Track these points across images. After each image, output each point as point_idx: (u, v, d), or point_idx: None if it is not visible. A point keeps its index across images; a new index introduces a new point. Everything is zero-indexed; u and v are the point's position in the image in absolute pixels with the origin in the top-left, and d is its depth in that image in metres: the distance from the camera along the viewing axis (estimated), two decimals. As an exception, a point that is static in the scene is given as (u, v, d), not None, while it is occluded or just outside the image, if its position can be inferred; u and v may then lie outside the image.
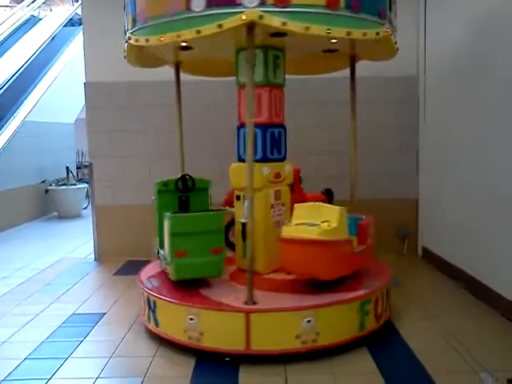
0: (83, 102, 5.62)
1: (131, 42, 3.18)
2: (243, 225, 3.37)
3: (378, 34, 3.04)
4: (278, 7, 2.71)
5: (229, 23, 2.70)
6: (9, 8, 13.99)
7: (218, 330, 2.93)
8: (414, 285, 4.42)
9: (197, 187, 3.72)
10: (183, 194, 3.64)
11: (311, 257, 3.04)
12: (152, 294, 3.23)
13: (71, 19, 12.43)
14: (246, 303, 2.96)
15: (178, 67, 4.10)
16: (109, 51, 4.92)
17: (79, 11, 6.46)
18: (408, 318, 3.56)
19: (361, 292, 3.16)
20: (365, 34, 2.94)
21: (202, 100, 5.25)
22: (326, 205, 3.28)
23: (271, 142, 3.53)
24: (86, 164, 7.00)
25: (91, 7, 5.38)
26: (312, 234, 3.05)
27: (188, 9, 2.78)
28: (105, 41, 5.14)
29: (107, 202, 5.48)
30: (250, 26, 2.79)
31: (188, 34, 2.81)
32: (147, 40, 3.03)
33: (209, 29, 2.74)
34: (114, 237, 5.45)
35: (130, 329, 3.45)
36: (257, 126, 3.38)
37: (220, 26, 2.71)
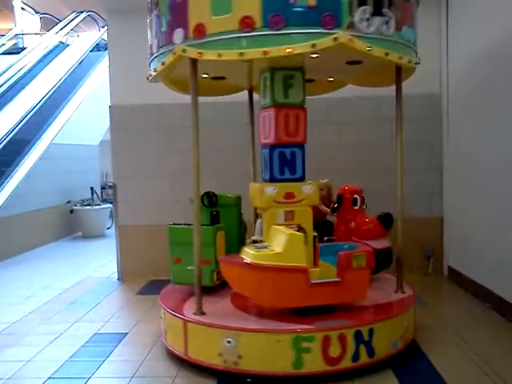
0: (108, 124, 5.74)
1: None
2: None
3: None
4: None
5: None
6: (38, 35, 14.55)
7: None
8: (440, 305, 4.31)
9: (224, 203, 3.83)
10: (213, 209, 3.75)
11: (244, 280, 3.06)
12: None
13: (97, 44, 12.82)
14: None
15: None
16: (133, 75, 5.03)
17: (105, 36, 6.65)
18: (435, 340, 3.46)
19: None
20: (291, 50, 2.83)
21: (229, 119, 5.37)
22: (283, 228, 3.13)
23: (280, 162, 3.50)
24: (110, 184, 7.12)
25: (116, 33, 5.54)
26: (248, 256, 3.01)
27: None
28: (129, 65, 5.27)
29: (130, 222, 5.55)
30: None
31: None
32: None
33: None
34: (136, 256, 5.49)
35: (151, 349, 3.45)
36: (264, 146, 3.52)
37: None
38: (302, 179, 3.55)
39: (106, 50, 6.51)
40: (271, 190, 3.45)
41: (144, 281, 5.32)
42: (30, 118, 9.13)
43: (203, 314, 3.12)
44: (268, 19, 2.74)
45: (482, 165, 4.30)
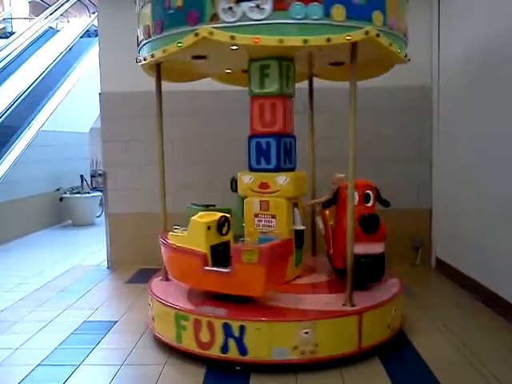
0: (98, 112, 5.69)
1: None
2: None
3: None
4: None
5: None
6: (27, 20, 14.32)
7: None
8: (428, 296, 4.37)
9: None
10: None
11: (164, 256, 3.47)
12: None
13: (88, 30, 12.63)
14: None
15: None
16: (124, 62, 4.97)
17: (96, 22, 6.57)
18: (421, 330, 3.51)
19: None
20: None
21: (219, 108, 5.34)
22: (199, 214, 3.30)
23: (257, 152, 3.56)
24: (100, 172, 7.08)
25: (107, 19, 5.47)
26: (169, 236, 3.38)
27: None
28: (120, 51, 5.21)
29: (120, 210, 5.53)
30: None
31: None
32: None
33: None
34: (126, 245, 5.48)
35: (140, 337, 3.46)
36: (249, 137, 3.58)
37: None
38: (277, 170, 3.51)
39: (96, 36, 6.43)
40: (247, 179, 3.57)
41: (134, 269, 5.32)
42: (19, 104, 9.02)
43: None
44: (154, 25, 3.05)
45: (470, 157, 4.34)
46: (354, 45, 2.92)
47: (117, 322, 3.80)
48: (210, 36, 2.77)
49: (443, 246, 5.14)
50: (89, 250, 6.50)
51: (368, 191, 3.48)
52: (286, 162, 3.58)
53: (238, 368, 2.91)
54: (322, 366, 2.91)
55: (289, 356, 2.88)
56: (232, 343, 2.91)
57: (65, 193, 8.96)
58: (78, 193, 8.99)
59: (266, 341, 2.89)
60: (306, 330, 2.87)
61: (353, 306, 3.06)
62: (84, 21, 13.80)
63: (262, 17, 2.76)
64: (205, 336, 2.98)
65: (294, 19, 2.76)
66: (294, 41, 2.79)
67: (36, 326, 3.73)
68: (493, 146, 3.90)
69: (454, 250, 4.83)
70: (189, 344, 3.05)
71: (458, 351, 3.14)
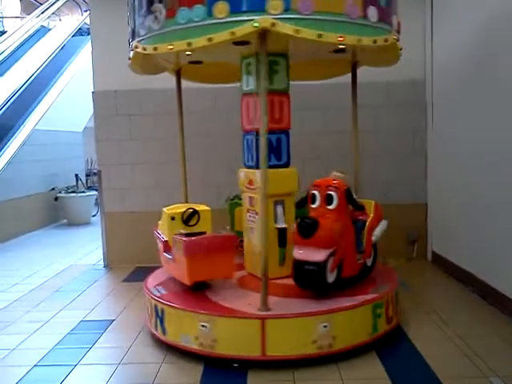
0: (91, 111, 5.67)
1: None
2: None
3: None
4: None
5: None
6: (19, 19, 14.21)
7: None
8: (424, 289, 4.39)
9: None
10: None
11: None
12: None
13: (80, 29, 12.57)
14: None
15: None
16: (116, 60, 4.94)
17: (88, 21, 6.53)
18: (417, 323, 3.53)
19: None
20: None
21: (217, 106, 5.34)
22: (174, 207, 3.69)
23: (246, 149, 3.66)
24: (95, 172, 7.05)
25: (99, 17, 5.44)
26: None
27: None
28: (112, 50, 5.17)
29: (116, 209, 5.51)
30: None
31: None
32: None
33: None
34: (122, 244, 5.47)
35: (138, 336, 3.46)
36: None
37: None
38: (257, 167, 3.44)
39: (88, 34, 6.39)
40: (241, 175, 3.69)
41: (130, 268, 5.31)
42: (12, 103, 8.96)
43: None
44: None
45: (465, 151, 4.35)
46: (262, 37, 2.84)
47: (114, 320, 3.80)
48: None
49: (439, 239, 5.15)
50: (85, 249, 6.49)
51: (330, 192, 3.17)
52: (271, 158, 3.50)
53: (235, 365, 2.92)
54: (319, 361, 2.92)
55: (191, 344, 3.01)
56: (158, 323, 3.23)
57: (60, 192, 8.93)
58: (73, 192, 8.97)
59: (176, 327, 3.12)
60: (203, 324, 2.94)
61: (268, 310, 2.95)
62: (76, 19, 13.72)
63: (158, 27, 2.97)
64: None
65: (180, 25, 2.88)
66: (179, 45, 2.93)
67: (32, 326, 3.72)
68: (487, 139, 3.91)
69: (449, 243, 4.85)
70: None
71: (454, 344, 3.15)
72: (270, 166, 3.44)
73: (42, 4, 13.54)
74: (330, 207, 3.17)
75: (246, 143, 3.69)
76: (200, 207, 3.64)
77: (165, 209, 3.68)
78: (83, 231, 8.11)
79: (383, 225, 3.55)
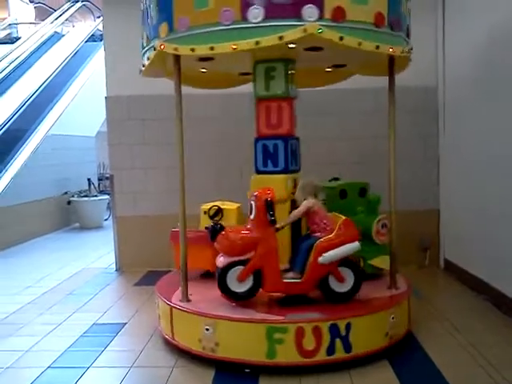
0: (104, 116, 5.73)
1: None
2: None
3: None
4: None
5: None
6: (33, 25, 14.42)
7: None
8: (436, 297, 4.36)
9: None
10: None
11: None
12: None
13: (93, 35, 12.72)
14: None
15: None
16: (129, 66, 4.99)
17: (101, 27, 6.61)
18: (430, 331, 3.50)
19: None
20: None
21: (226, 112, 5.37)
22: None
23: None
24: (108, 176, 7.11)
25: (112, 23, 5.50)
26: None
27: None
28: (125, 55, 5.23)
29: (128, 213, 5.55)
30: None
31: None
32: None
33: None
34: (134, 247, 5.50)
35: (150, 339, 3.48)
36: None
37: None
38: (256, 171, 3.67)
39: (101, 40, 6.47)
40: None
41: (142, 272, 5.34)
42: (26, 108, 9.08)
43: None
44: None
45: (478, 157, 4.32)
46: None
47: (126, 324, 3.82)
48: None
49: (452, 247, 5.11)
50: (97, 252, 6.53)
51: (251, 202, 3.18)
52: (267, 164, 3.57)
53: (247, 370, 2.91)
54: (330, 368, 2.91)
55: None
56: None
57: (72, 196, 9.01)
58: (86, 196, 9.05)
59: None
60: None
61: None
62: (89, 25, 13.88)
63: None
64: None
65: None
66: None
67: (45, 328, 3.75)
68: (500, 145, 3.88)
69: (462, 251, 4.81)
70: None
71: (467, 352, 3.12)
72: (267, 172, 3.57)
73: (55, 10, 13.74)
74: (251, 217, 3.19)
75: (262, 148, 3.60)
76: (227, 205, 3.90)
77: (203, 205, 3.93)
78: (95, 235, 8.17)
79: (346, 248, 3.08)
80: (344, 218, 3.16)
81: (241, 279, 3.09)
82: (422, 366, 2.98)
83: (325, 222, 3.17)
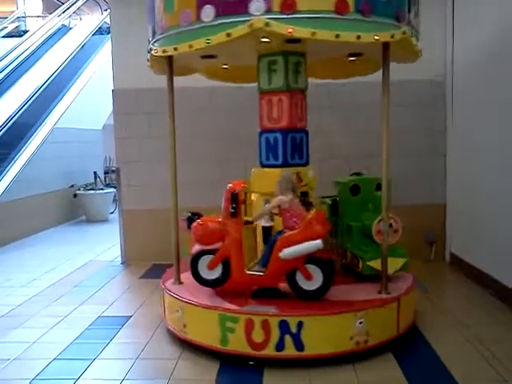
0: (110, 108, 5.73)
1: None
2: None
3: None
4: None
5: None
6: (41, 18, 14.43)
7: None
8: (442, 291, 4.34)
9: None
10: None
11: None
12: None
13: (100, 28, 12.70)
14: None
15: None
16: (136, 58, 4.99)
17: (108, 20, 6.60)
18: (435, 325, 3.49)
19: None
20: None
21: (229, 105, 5.33)
22: None
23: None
24: (114, 169, 7.13)
25: (119, 16, 5.50)
26: None
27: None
28: (132, 48, 5.23)
29: (134, 206, 5.57)
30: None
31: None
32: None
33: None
34: (140, 240, 5.52)
35: (155, 331, 3.49)
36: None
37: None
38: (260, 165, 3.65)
39: (108, 33, 6.46)
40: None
41: (147, 265, 5.36)
42: (33, 101, 9.11)
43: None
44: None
45: (485, 151, 4.29)
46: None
47: (131, 316, 3.84)
48: None
49: (458, 241, 5.09)
50: (103, 245, 6.56)
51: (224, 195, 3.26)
52: (268, 157, 3.59)
53: (251, 363, 2.92)
54: (335, 361, 2.91)
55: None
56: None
57: (79, 189, 9.05)
58: (92, 189, 9.08)
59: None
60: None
61: None
62: (96, 18, 13.86)
63: None
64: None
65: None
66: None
67: (51, 320, 3.78)
68: (508, 139, 3.85)
69: (468, 245, 4.79)
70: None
71: (472, 346, 3.11)
72: (268, 166, 3.58)
73: (63, 3, 13.73)
74: (222, 208, 3.26)
75: (265, 142, 3.61)
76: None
77: None
78: (101, 228, 8.20)
79: (307, 246, 3.01)
80: (313, 214, 3.12)
81: (210, 267, 3.22)
82: (428, 360, 2.97)
83: (294, 219, 3.11)
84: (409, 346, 3.15)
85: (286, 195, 3.15)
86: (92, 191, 9.01)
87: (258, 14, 2.74)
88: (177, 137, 3.83)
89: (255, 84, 3.68)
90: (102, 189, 9.19)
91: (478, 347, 3.10)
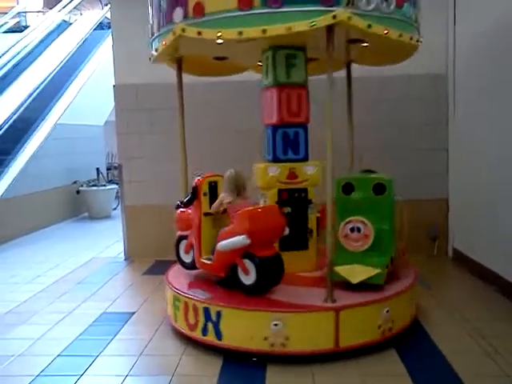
0: (112, 104, 5.72)
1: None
2: None
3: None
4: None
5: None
6: (41, 13, 14.39)
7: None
8: (445, 287, 4.35)
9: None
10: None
11: None
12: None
13: (101, 23, 12.66)
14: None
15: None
16: (137, 54, 4.97)
17: (109, 15, 6.58)
18: (438, 321, 3.50)
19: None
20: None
21: (234, 100, 5.31)
22: None
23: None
24: (116, 165, 7.13)
25: (120, 11, 5.48)
26: None
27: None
28: (133, 44, 5.21)
29: (136, 202, 5.57)
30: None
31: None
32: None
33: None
34: (143, 237, 5.53)
35: (158, 328, 3.51)
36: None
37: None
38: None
39: (109, 28, 6.44)
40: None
41: (150, 261, 5.37)
42: (35, 98, 9.10)
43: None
44: None
45: (488, 145, 4.28)
46: None
47: (134, 313, 3.85)
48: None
49: (460, 236, 5.08)
50: (106, 242, 6.58)
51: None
52: (268, 152, 3.65)
53: (254, 359, 2.93)
54: (338, 356, 2.92)
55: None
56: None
57: (81, 186, 9.06)
58: (95, 185, 9.09)
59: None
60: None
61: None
62: (97, 13, 13.82)
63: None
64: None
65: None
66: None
67: (55, 317, 3.80)
68: (510, 134, 3.83)
69: (471, 240, 4.78)
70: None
71: (475, 342, 3.12)
72: (268, 160, 3.62)
73: (63, -1, 13.69)
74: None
75: (265, 137, 3.66)
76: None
77: None
78: (104, 224, 8.22)
79: (233, 240, 3.09)
80: (244, 210, 3.13)
81: (186, 251, 3.62)
82: (430, 356, 2.97)
83: (233, 215, 3.24)
84: (411, 342, 3.15)
85: (229, 193, 3.32)
86: (95, 187, 9.02)
87: (178, 21, 2.94)
88: (187, 130, 3.90)
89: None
90: (104, 185, 9.20)
91: (481, 343, 3.10)
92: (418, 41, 3.21)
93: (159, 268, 4.86)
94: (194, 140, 5.34)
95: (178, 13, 2.97)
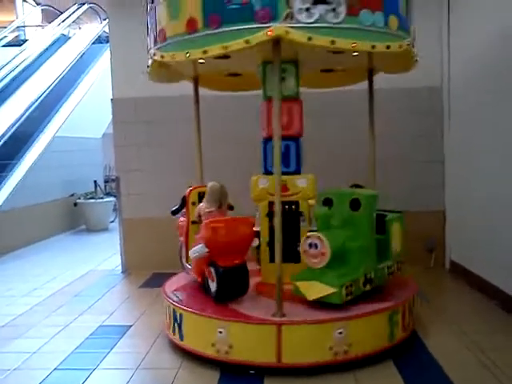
0: (110, 117, 5.75)
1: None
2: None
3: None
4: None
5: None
6: (40, 27, 14.51)
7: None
8: (442, 299, 4.34)
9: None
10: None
11: None
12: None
13: (99, 37, 12.77)
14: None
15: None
16: (135, 67, 5.02)
17: (107, 29, 6.64)
18: (436, 333, 3.49)
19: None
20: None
21: (233, 113, 5.35)
22: None
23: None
24: (114, 178, 7.14)
25: (118, 25, 5.54)
26: None
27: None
28: (131, 57, 5.26)
29: (134, 215, 5.57)
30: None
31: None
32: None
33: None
34: (140, 249, 5.52)
35: (155, 341, 3.49)
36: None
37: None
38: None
39: (107, 42, 6.50)
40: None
41: (148, 274, 5.36)
42: (33, 111, 9.14)
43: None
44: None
45: (484, 157, 4.31)
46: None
47: (131, 326, 3.83)
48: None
49: (457, 248, 5.09)
50: (103, 254, 6.56)
51: None
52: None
53: (252, 372, 2.92)
54: (336, 369, 2.91)
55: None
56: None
57: (79, 198, 9.05)
58: (92, 198, 9.08)
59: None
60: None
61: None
62: (95, 27, 13.93)
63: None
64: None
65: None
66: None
67: (52, 330, 3.78)
68: (506, 146, 3.86)
69: (469, 252, 4.78)
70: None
71: (474, 355, 3.11)
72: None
73: (62, 13, 13.81)
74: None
75: (263, 149, 3.69)
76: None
77: None
78: (101, 237, 8.20)
79: (194, 250, 3.33)
80: (207, 221, 3.28)
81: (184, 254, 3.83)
82: (428, 368, 2.97)
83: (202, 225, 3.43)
84: (409, 353, 3.14)
85: (211, 203, 3.47)
86: (92, 200, 9.01)
87: (152, 47, 3.31)
88: (185, 142, 4.02)
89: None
90: (102, 198, 9.19)
91: (479, 356, 3.09)
92: (408, 46, 3.12)
93: (156, 281, 4.85)
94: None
95: (151, 38, 3.37)
